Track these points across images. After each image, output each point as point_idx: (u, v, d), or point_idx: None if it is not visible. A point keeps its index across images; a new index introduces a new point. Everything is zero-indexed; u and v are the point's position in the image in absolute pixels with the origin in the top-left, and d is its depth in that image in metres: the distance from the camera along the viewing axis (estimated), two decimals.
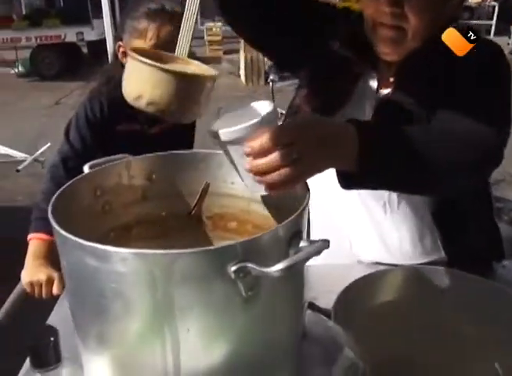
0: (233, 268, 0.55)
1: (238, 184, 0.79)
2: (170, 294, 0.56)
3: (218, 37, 10.23)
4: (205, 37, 10.36)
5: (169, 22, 1.36)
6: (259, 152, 0.62)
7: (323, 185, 0.73)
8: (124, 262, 0.55)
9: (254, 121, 0.64)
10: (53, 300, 1.13)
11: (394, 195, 1.07)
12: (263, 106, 0.69)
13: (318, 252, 0.56)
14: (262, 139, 0.62)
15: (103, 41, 3.94)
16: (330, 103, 1.05)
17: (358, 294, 0.88)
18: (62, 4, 10.89)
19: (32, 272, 1.30)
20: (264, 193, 0.69)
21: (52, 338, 0.60)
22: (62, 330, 0.63)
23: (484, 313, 0.89)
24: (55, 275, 1.29)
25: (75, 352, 0.69)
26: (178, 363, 0.60)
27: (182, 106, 0.81)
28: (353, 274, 0.92)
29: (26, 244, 1.33)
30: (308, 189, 0.68)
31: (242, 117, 0.67)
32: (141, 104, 0.79)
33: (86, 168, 0.78)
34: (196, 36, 0.96)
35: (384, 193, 1.07)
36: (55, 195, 0.68)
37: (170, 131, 1.47)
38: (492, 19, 10.97)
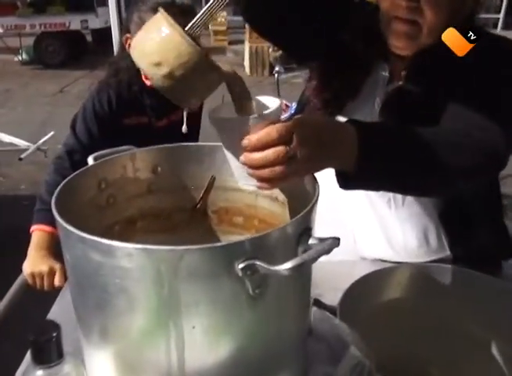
0: (241, 265, 0.54)
1: None
2: (176, 290, 0.55)
3: (223, 28, 10.16)
4: (210, 27, 10.31)
5: (179, 15, 1.34)
6: (256, 146, 0.62)
7: (328, 180, 0.72)
8: (129, 257, 0.54)
9: (255, 115, 0.64)
10: (55, 292, 1.12)
11: None
12: (268, 102, 0.68)
13: (328, 251, 0.55)
14: (261, 134, 0.62)
15: (108, 30, 3.91)
16: (340, 95, 1.04)
17: (363, 292, 0.87)
18: None
19: (34, 263, 1.30)
20: (252, 187, 0.68)
21: (54, 334, 0.59)
22: (64, 324, 0.62)
23: (492, 312, 0.88)
24: (58, 266, 1.29)
25: (77, 346, 0.69)
26: (183, 360, 0.59)
27: (194, 90, 0.70)
28: (358, 271, 0.91)
29: (28, 233, 1.33)
30: (318, 184, 0.67)
31: None
32: (157, 73, 0.66)
33: (90, 160, 0.77)
34: None
35: None
36: (59, 187, 0.67)
37: (177, 124, 1.46)
38: (499, 12, 10.87)
